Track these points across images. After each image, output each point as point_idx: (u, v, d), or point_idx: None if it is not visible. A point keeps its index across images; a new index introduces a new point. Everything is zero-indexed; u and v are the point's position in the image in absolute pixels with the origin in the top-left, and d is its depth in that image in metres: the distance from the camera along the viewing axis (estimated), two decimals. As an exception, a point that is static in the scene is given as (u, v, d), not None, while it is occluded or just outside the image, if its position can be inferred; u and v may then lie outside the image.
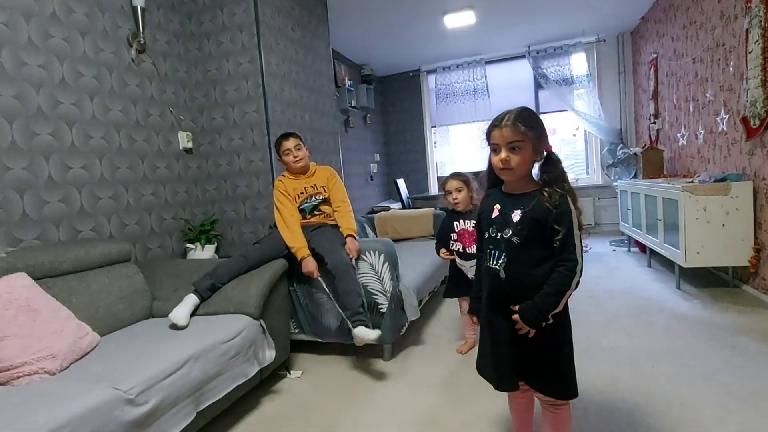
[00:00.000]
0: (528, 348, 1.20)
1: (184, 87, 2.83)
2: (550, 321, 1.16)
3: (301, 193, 2.38)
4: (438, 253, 2.28)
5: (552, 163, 1.19)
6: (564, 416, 1.27)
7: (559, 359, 1.21)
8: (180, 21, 2.82)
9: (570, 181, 1.21)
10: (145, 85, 2.54)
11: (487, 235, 1.25)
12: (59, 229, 2.03)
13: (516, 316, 1.18)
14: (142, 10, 2.44)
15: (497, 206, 1.25)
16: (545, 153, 1.20)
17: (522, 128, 1.14)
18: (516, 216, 1.19)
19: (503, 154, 1.16)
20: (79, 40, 2.17)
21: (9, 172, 1.85)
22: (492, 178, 1.30)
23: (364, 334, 2.04)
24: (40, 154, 1.97)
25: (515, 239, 1.17)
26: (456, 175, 2.21)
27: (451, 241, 2.21)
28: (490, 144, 1.22)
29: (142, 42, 2.47)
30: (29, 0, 1.95)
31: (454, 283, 2.31)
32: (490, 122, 1.22)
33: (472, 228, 2.13)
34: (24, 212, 1.89)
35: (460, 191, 2.16)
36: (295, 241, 2.24)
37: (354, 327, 2.09)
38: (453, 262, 2.25)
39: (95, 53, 2.24)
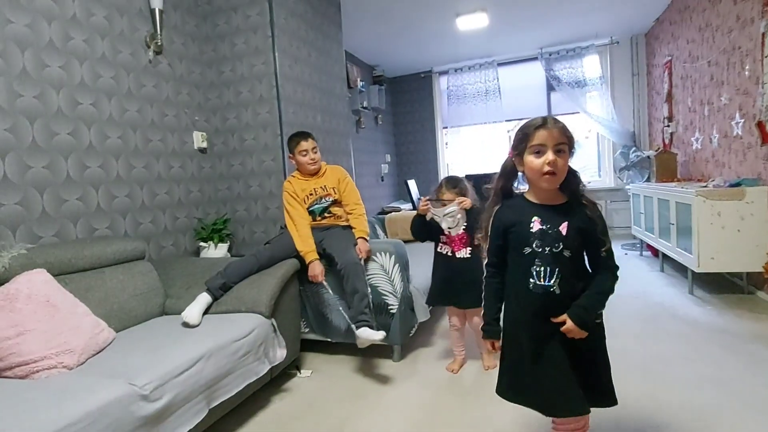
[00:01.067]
0: (587, 363, 1.17)
1: (199, 88, 2.87)
2: (598, 321, 1.17)
3: (311, 194, 2.38)
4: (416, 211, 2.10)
5: (575, 174, 1.19)
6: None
7: (608, 366, 1.22)
8: (196, 23, 2.86)
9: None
10: (161, 86, 2.58)
11: (528, 251, 1.16)
12: (76, 226, 2.08)
13: (567, 323, 1.13)
14: (160, 12, 2.48)
15: (536, 219, 1.17)
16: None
17: (568, 132, 1.13)
18: (564, 228, 1.14)
19: (550, 156, 1.11)
20: (99, 41, 2.21)
21: (30, 171, 1.89)
22: (506, 187, 1.26)
23: (368, 335, 2.04)
24: (60, 153, 2.02)
25: (567, 252, 1.13)
26: (451, 186, 2.07)
27: (441, 243, 2.11)
28: (530, 146, 1.14)
29: (159, 44, 2.51)
30: (51, 3, 2.00)
31: (437, 289, 2.16)
32: (524, 124, 1.17)
33: (462, 232, 2.04)
34: (43, 210, 1.94)
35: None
36: (304, 245, 2.26)
37: (357, 328, 2.09)
38: (438, 264, 2.14)
39: (114, 55, 2.29)
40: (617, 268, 1.17)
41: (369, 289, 2.22)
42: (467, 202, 2.00)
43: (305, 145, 2.33)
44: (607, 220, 5.58)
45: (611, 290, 1.15)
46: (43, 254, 1.71)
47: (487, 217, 1.29)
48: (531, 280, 1.15)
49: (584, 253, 1.17)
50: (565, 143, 1.12)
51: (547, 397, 1.16)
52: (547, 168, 1.11)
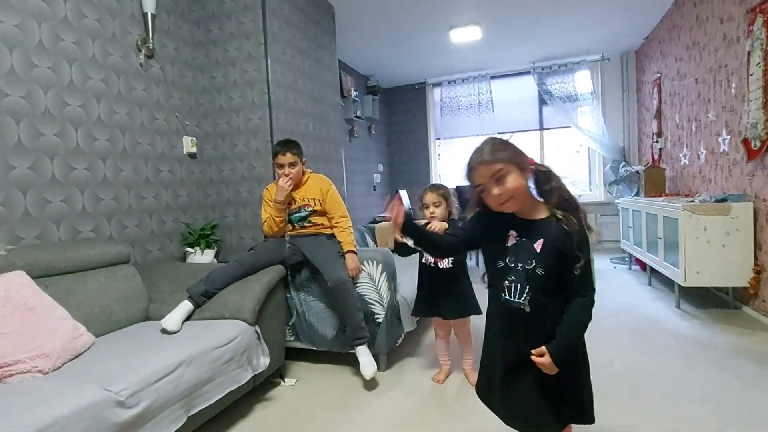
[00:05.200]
0: (564, 381, 1.12)
1: (190, 93, 2.87)
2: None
3: (289, 203, 2.33)
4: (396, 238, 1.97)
5: (545, 176, 1.13)
6: None
7: (587, 384, 1.18)
8: (189, 28, 2.87)
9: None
10: (152, 89, 2.57)
11: (502, 265, 1.13)
12: (60, 228, 2.05)
13: (545, 357, 1.08)
14: (153, 16, 2.48)
15: (512, 233, 1.13)
16: (533, 167, 1.12)
17: (498, 155, 1.07)
18: (539, 246, 1.09)
19: (495, 191, 1.07)
20: (89, 44, 2.21)
21: (13, 171, 1.87)
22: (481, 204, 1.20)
23: (367, 367, 2.09)
24: (45, 154, 1.99)
25: (540, 271, 1.08)
26: (435, 188, 2.05)
27: (424, 254, 2.06)
28: (476, 188, 1.13)
29: (150, 47, 2.51)
30: (42, 4, 1.99)
31: (424, 300, 2.13)
32: (466, 167, 1.13)
33: None
34: (26, 211, 1.91)
35: (438, 206, 2.02)
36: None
37: (356, 346, 2.14)
38: (423, 275, 2.12)
39: (104, 57, 2.28)
40: (593, 291, 1.12)
41: (360, 303, 2.21)
42: (441, 226, 1.92)
43: (281, 159, 2.25)
44: (596, 233, 5.70)
45: (588, 319, 1.11)
46: (23, 256, 1.68)
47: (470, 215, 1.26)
48: (503, 294, 1.13)
49: (562, 273, 1.09)
50: (501, 168, 1.06)
51: (514, 414, 1.17)
52: (499, 201, 1.09)
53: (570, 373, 1.12)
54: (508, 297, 1.12)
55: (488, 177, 1.08)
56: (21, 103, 1.90)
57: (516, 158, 1.09)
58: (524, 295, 1.10)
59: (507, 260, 1.12)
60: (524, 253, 1.11)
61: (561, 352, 1.08)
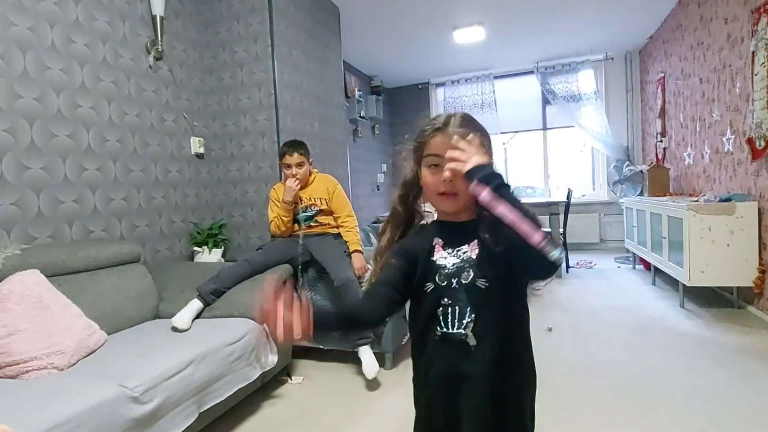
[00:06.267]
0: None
1: (198, 94, 2.90)
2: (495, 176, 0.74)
3: (296, 203, 2.36)
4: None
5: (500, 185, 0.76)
6: None
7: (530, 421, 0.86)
8: (197, 30, 2.90)
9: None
10: (161, 91, 2.61)
11: (431, 287, 0.83)
12: (72, 228, 2.08)
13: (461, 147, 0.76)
14: (162, 18, 2.52)
15: (438, 241, 0.86)
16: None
17: (472, 126, 0.84)
18: (473, 249, 0.82)
19: (447, 173, 0.78)
20: (100, 46, 2.24)
21: (27, 172, 1.90)
22: (405, 211, 0.93)
23: (369, 367, 2.11)
24: (57, 154, 2.03)
25: (481, 282, 0.80)
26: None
27: None
28: (425, 155, 0.85)
29: (160, 50, 2.54)
30: (54, 7, 2.03)
31: None
32: (425, 123, 0.88)
33: None
34: (39, 211, 1.95)
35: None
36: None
37: (357, 346, 2.16)
38: None
39: (115, 59, 2.31)
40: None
41: None
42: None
43: (289, 159, 2.30)
44: (600, 233, 5.71)
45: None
46: (37, 255, 1.71)
47: (379, 253, 0.93)
48: (438, 328, 0.81)
49: (513, 281, 0.81)
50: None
51: None
52: (441, 188, 0.82)
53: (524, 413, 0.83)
54: (445, 329, 0.80)
55: (449, 149, 0.78)
56: (34, 104, 1.93)
57: (486, 142, 0.86)
58: (465, 321, 0.79)
59: (437, 278, 0.82)
60: (457, 263, 0.82)
61: (488, 169, 0.74)
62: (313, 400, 2.03)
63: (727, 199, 2.84)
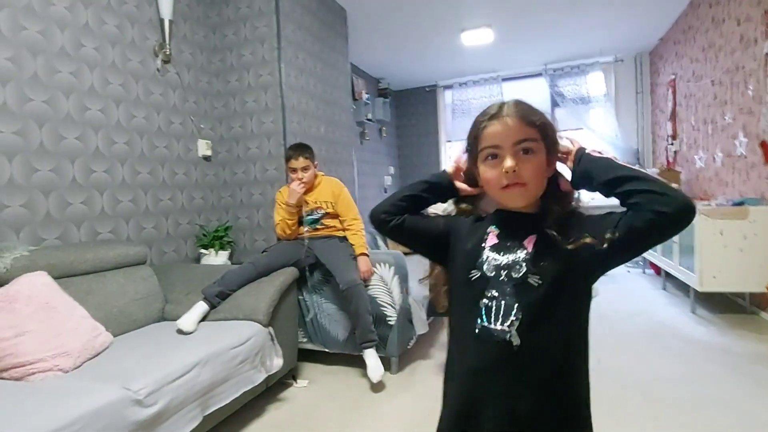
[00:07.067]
0: None
1: (205, 97, 2.91)
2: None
3: (301, 206, 2.36)
4: None
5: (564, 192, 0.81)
6: None
7: None
8: (205, 34, 2.92)
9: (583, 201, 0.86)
10: (168, 94, 2.62)
11: (476, 275, 0.77)
12: (80, 230, 2.10)
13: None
14: (170, 22, 2.53)
15: (492, 230, 0.81)
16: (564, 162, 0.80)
17: (536, 115, 0.77)
18: (530, 243, 0.76)
19: (509, 162, 0.74)
20: (109, 49, 2.26)
21: (36, 174, 1.92)
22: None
23: (374, 370, 2.12)
24: (66, 157, 2.04)
25: (534, 280, 0.73)
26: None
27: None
28: (480, 150, 0.79)
29: (167, 53, 2.56)
30: (64, 11, 2.05)
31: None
32: (477, 118, 0.80)
33: None
34: (48, 212, 1.96)
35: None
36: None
37: (363, 349, 2.16)
38: None
39: (123, 63, 2.33)
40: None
41: (371, 307, 2.24)
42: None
43: (294, 163, 2.29)
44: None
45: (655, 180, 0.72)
46: (45, 256, 1.73)
47: None
48: (478, 320, 0.75)
49: (572, 286, 0.74)
50: (532, 138, 0.75)
51: None
52: (504, 181, 0.75)
53: None
54: (486, 323, 0.74)
55: (511, 141, 0.75)
56: (44, 107, 1.95)
57: (551, 140, 0.78)
58: (510, 320, 0.72)
59: (485, 268, 0.77)
60: (510, 255, 0.76)
61: (594, 154, 0.76)
62: (318, 403, 2.02)
63: (740, 203, 2.79)
